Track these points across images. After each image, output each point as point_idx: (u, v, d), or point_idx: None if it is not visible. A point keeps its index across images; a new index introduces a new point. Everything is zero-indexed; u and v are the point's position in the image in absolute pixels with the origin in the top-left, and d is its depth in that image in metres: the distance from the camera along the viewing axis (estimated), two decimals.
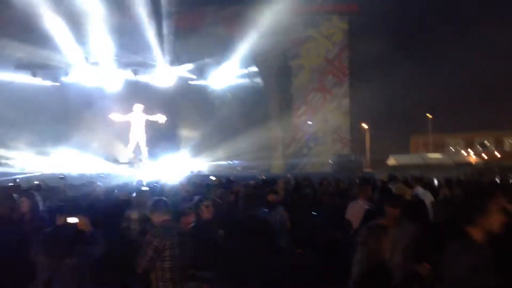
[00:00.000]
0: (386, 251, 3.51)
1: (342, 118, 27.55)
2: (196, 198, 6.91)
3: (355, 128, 28.06)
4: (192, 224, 5.61)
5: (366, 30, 27.28)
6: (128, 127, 28.50)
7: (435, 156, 35.04)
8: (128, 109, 28.44)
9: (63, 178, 11.50)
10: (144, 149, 28.91)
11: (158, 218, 4.93)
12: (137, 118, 28.54)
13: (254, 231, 5.10)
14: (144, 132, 28.70)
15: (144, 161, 28.15)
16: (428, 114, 41.20)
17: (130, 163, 28.01)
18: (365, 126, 32.85)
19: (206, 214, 5.65)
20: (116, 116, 27.81)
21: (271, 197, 7.16)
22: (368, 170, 27.50)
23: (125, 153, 28.61)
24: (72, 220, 5.37)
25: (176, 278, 4.72)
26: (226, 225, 5.55)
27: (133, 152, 28.35)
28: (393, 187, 7.56)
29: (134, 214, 6.52)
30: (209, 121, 27.92)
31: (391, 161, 30.68)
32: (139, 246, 4.91)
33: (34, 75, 27.44)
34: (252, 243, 4.96)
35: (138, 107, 28.49)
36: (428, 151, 39.99)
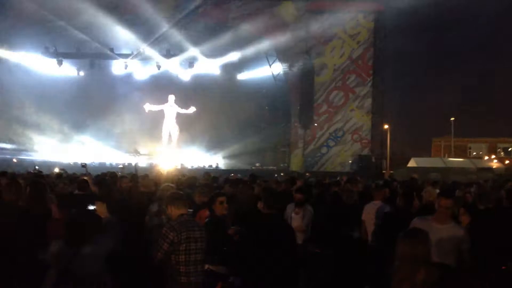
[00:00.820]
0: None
1: (363, 118, 27.29)
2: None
3: (376, 129, 27.69)
4: (207, 219, 5.61)
5: (391, 30, 27.00)
6: (150, 117, 28.80)
7: (457, 160, 34.52)
8: (154, 99, 28.76)
9: (84, 166, 11.65)
10: (175, 140, 29.21)
11: (174, 211, 4.96)
12: (170, 109, 28.97)
13: (273, 231, 5.09)
14: (175, 123, 29.06)
15: (168, 152, 28.41)
16: (451, 118, 40.68)
17: (150, 154, 28.29)
18: (386, 127, 32.53)
19: (220, 210, 5.64)
20: (149, 106, 28.29)
21: (299, 196, 7.15)
22: (388, 172, 27.28)
23: (149, 143, 28.90)
24: (90, 206, 5.48)
25: (190, 272, 4.75)
26: (243, 222, 5.55)
27: (164, 142, 28.74)
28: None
29: (154, 207, 6.54)
30: (229, 116, 28.04)
31: (412, 163, 30.36)
32: (155, 239, 4.95)
33: (60, 63, 27.76)
34: (270, 243, 4.95)
35: (171, 98, 28.87)
36: (450, 155, 39.49)
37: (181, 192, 5.30)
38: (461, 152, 41.63)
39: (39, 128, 26.73)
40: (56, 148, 27.67)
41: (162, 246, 4.72)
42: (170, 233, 4.74)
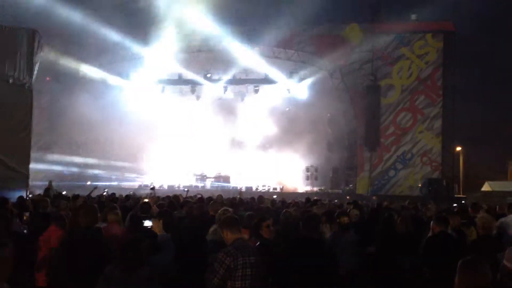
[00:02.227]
0: None
1: (433, 140, 26.35)
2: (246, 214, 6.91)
3: (447, 151, 26.59)
4: (257, 243, 5.54)
5: (462, 49, 26.11)
6: (220, 140, 29.35)
7: None
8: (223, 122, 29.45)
9: (153, 189, 12.06)
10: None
11: (230, 236, 4.88)
12: None
13: (307, 256, 4.99)
14: None
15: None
16: None
17: (216, 178, 28.69)
18: (458, 149, 31.21)
19: (267, 233, 5.55)
20: None
21: (344, 219, 7.09)
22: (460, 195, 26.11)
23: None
24: (147, 223, 5.62)
25: None
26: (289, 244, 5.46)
27: None
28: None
29: (213, 227, 6.56)
30: (293, 138, 28.11)
31: (486, 187, 28.82)
32: (212, 263, 4.94)
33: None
34: (305, 268, 4.86)
35: None
36: None
37: (236, 216, 5.26)
38: None
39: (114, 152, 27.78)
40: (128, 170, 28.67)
41: (218, 272, 4.67)
42: (226, 258, 4.67)
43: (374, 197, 22.02)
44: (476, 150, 31.94)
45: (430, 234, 6.36)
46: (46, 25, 22.36)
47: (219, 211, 6.65)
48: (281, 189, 27.27)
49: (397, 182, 26.32)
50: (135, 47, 26.96)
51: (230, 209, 6.92)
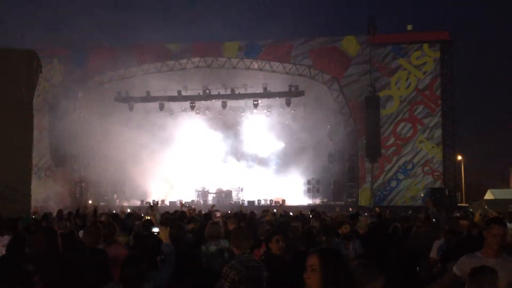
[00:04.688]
0: None
1: (434, 149, 26.37)
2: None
3: (448, 160, 26.58)
4: (262, 257, 5.49)
5: (460, 58, 26.26)
6: (213, 155, 29.40)
7: None
8: (218, 136, 29.38)
9: (153, 206, 11.95)
10: None
11: (236, 251, 4.88)
12: None
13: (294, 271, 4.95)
14: None
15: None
16: None
17: (217, 194, 28.66)
18: (460, 158, 31.21)
19: (276, 248, 5.51)
20: None
21: (344, 229, 7.02)
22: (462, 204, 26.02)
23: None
24: (155, 229, 5.59)
25: None
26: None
27: None
28: None
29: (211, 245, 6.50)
30: (294, 151, 28.08)
31: (488, 195, 28.73)
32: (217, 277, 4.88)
33: (131, 108, 29.04)
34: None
35: None
36: None
37: (246, 230, 5.17)
38: None
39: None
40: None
41: (223, 286, 4.64)
42: (230, 272, 4.63)
43: (377, 208, 21.87)
44: (477, 159, 31.96)
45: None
46: (46, 46, 22.66)
47: (207, 226, 6.62)
48: (283, 202, 27.10)
49: (400, 193, 26.27)
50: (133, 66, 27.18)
51: (220, 223, 6.91)
